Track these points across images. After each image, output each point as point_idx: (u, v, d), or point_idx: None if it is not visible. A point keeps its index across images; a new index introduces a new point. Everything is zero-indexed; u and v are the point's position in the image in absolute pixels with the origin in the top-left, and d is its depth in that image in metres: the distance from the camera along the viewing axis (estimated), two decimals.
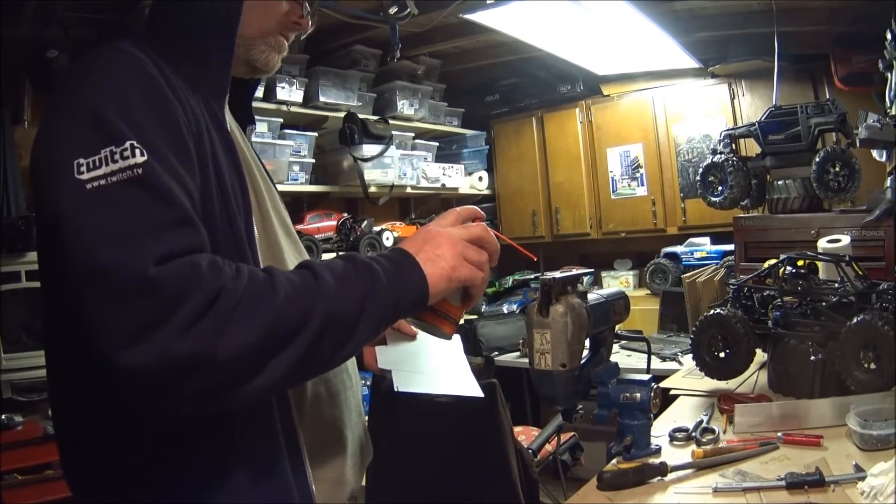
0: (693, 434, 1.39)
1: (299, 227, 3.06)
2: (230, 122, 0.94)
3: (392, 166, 3.40)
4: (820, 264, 1.72)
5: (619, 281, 3.86)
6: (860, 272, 1.58)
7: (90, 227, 0.68)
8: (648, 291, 3.53)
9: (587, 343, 1.23)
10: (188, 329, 0.65)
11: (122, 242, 0.67)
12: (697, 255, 3.40)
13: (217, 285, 0.68)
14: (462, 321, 0.97)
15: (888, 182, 2.08)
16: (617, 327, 1.37)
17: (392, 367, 1.17)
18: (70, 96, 0.76)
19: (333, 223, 3.26)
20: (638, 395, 1.22)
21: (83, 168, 0.70)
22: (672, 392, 1.77)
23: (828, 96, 2.97)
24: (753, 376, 1.73)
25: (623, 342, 3.12)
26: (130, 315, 0.65)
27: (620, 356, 3.04)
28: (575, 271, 1.21)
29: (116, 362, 0.64)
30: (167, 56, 0.83)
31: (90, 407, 0.80)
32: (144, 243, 0.67)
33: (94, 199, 0.69)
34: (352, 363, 1.04)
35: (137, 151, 0.71)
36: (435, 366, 1.22)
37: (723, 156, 2.46)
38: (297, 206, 3.33)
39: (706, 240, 3.43)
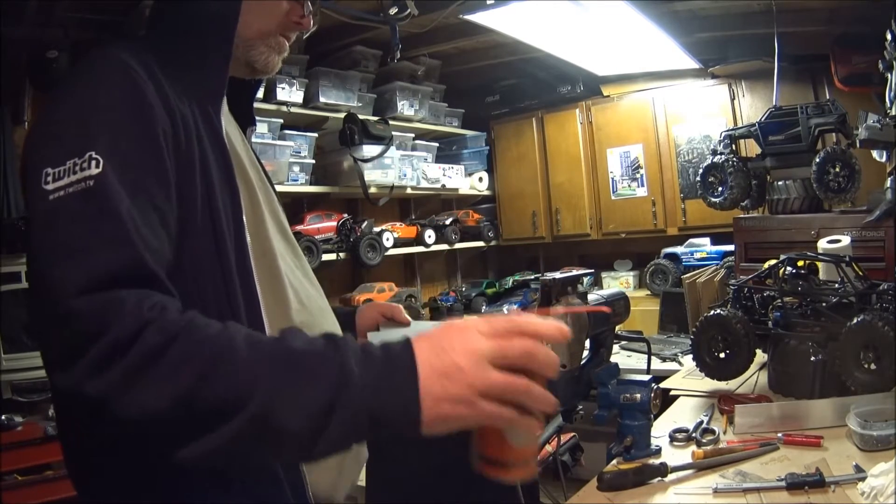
0: (693, 435, 1.38)
1: (299, 227, 3.06)
2: (229, 124, 0.94)
3: (392, 167, 3.40)
4: (820, 265, 1.72)
5: (619, 281, 3.86)
6: (860, 273, 1.58)
7: (40, 241, 0.69)
8: (648, 292, 3.53)
9: (587, 344, 1.23)
10: (99, 371, 0.61)
11: (58, 263, 0.66)
12: (697, 255, 3.40)
13: (131, 331, 0.61)
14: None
15: (888, 182, 2.08)
16: (617, 328, 1.37)
17: None
18: (53, 105, 0.78)
19: (333, 224, 3.25)
20: (638, 395, 1.22)
21: (49, 178, 0.70)
22: (672, 393, 1.77)
23: (828, 97, 2.96)
24: (753, 377, 1.73)
25: (623, 343, 3.11)
26: (55, 341, 0.66)
27: (620, 357, 3.03)
28: (575, 272, 1.22)
29: (52, 377, 0.67)
30: (163, 59, 0.83)
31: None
32: (77, 265, 0.65)
33: (50, 212, 0.69)
34: None
35: (94, 163, 0.69)
36: None
37: (723, 156, 2.46)
38: (297, 206, 3.33)
39: (706, 240, 3.43)
